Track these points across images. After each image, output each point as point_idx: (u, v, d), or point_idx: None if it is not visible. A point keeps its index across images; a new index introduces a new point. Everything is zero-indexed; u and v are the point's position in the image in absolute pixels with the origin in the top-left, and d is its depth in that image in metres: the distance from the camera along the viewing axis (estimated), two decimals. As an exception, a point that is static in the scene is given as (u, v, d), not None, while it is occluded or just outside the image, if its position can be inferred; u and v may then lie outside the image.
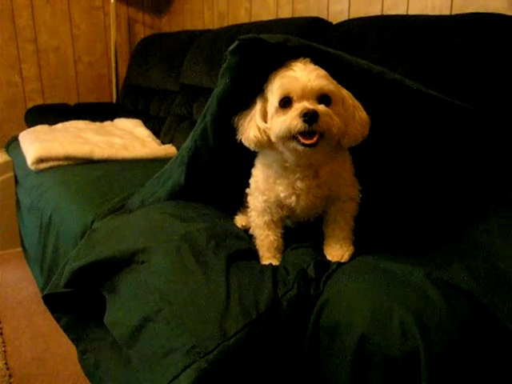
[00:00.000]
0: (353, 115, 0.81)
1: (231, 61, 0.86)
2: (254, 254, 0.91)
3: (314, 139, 0.76)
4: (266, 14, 2.25)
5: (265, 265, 0.86)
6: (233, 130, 0.89)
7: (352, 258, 0.86)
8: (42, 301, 1.84)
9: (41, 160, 1.84)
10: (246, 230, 1.00)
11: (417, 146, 1.06)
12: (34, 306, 1.87)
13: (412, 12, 1.63)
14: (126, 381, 0.89)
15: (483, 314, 0.69)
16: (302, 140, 0.76)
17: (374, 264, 0.79)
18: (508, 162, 1.05)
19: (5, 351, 1.58)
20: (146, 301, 0.74)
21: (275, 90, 0.80)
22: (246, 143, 0.86)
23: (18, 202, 2.22)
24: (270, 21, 2.03)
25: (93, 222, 1.34)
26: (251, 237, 0.96)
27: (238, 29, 2.05)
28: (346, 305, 0.72)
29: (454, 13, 1.47)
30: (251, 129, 0.83)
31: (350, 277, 0.78)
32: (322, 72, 0.79)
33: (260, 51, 0.82)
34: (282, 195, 0.88)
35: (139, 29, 3.14)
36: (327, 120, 0.75)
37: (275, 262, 0.89)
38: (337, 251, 0.88)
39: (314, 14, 1.96)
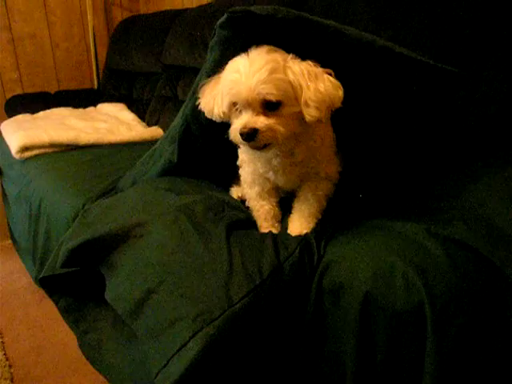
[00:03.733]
0: (310, 94, 0.76)
1: (221, 34, 0.85)
2: (252, 224, 0.91)
3: (261, 147, 0.77)
4: (246, -11, 2.21)
5: (265, 233, 0.85)
6: None
7: (351, 219, 0.85)
8: (36, 291, 1.86)
9: (25, 148, 1.80)
10: (242, 200, 0.99)
11: (407, 110, 1.05)
12: (29, 296, 1.86)
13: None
14: (130, 358, 0.89)
15: (482, 264, 0.70)
16: (250, 147, 0.78)
17: (373, 224, 0.80)
18: (497, 122, 1.06)
19: (3, 342, 1.56)
20: (148, 273, 0.73)
21: (224, 94, 0.78)
22: (208, 115, 0.85)
23: (3, 193, 2.18)
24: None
25: (84, 206, 1.32)
26: (248, 208, 0.96)
27: (219, 5, 2.01)
28: (348, 265, 0.72)
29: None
30: (215, 105, 0.82)
31: (349, 238, 0.78)
32: (266, 73, 0.74)
33: (250, 24, 0.80)
34: (260, 171, 0.89)
35: (117, 12, 3.07)
36: (267, 134, 0.75)
37: (274, 231, 0.88)
38: (297, 227, 0.87)
39: (295, -14, 1.93)
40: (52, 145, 1.83)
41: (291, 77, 0.76)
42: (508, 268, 0.69)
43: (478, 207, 0.81)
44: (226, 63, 0.83)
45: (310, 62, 0.78)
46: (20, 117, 2.22)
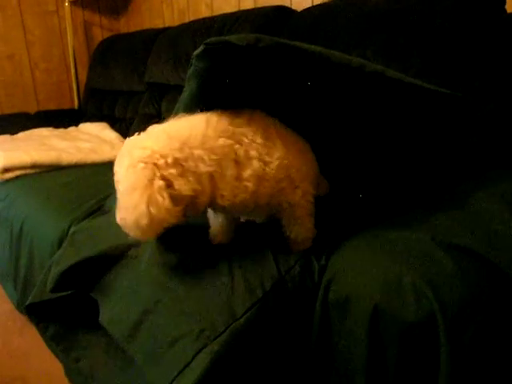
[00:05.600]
0: None
1: (197, 66, 0.80)
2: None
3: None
4: (227, 6, 2.22)
5: (263, 246, 0.83)
6: None
7: (354, 231, 0.84)
8: (18, 318, 1.78)
9: (5, 170, 1.75)
10: None
11: (408, 129, 1.05)
12: (9, 323, 1.78)
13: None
14: (125, 385, 0.84)
15: (488, 269, 0.69)
16: None
17: (377, 234, 0.78)
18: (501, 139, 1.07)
19: (-17, 373, 1.49)
20: (144, 294, 0.70)
21: None
22: None
23: (-18, 217, 2.11)
24: (234, 13, 2.00)
25: (69, 227, 1.28)
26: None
27: (202, 23, 2.01)
28: (354, 277, 0.70)
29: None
30: None
31: (354, 248, 0.76)
32: None
33: (228, 54, 0.76)
34: None
35: (97, 32, 3.05)
36: None
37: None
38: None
39: (276, 2, 1.95)
40: (34, 166, 1.79)
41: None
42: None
43: (480, 215, 0.81)
44: (203, 95, 0.79)
45: None
46: (-1, 138, 2.17)
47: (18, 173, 1.77)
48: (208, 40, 0.75)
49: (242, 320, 0.64)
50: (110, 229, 0.88)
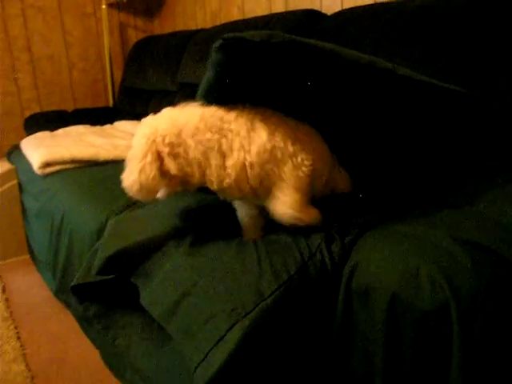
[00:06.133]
0: None
1: (215, 58, 0.86)
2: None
3: None
4: (259, 9, 2.28)
5: (287, 234, 0.89)
6: None
7: (373, 225, 0.89)
8: (55, 304, 1.89)
9: (47, 164, 1.85)
10: None
11: (422, 126, 1.09)
12: (48, 310, 1.89)
13: (405, -2, 1.67)
14: (159, 363, 0.92)
15: (501, 264, 0.73)
16: None
17: (395, 229, 0.83)
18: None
19: (24, 354, 1.59)
20: (181, 278, 0.77)
21: None
22: None
23: (23, 209, 2.23)
24: (265, 16, 2.06)
25: (107, 220, 1.36)
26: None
27: (234, 26, 2.08)
28: (375, 268, 0.75)
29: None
30: None
31: (374, 242, 0.81)
32: None
33: (243, 49, 0.82)
34: None
35: (131, 33, 3.16)
36: None
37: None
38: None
39: (307, 6, 2.00)
40: (73, 161, 1.89)
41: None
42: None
43: (495, 214, 0.84)
44: (219, 85, 0.87)
45: None
46: (39, 134, 2.29)
47: (58, 167, 1.87)
48: (225, 35, 0.82)
49: (268, 300, 0.71)
50: (149, 221, 0.95)
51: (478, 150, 1.09)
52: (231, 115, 0.84)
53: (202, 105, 0.88)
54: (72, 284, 0.97)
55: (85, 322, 1.68)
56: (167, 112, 0.88)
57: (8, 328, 1.73)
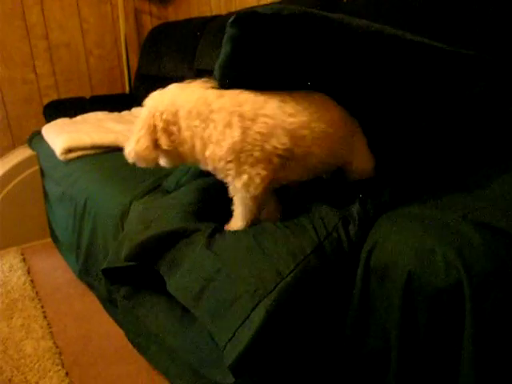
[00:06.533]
0: None
1: (230, 32, 0.90)
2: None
3: None
4: (274, -5, 2.29)
5: (302, 215, 0.93)
6: None
7: (389, 207, 0.93)
8: (78, 286, 1.96)
9: (69, 150, 1.91)
10: None
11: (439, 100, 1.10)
12: (71, 291, 1.96)
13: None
14: (186, 340, 0.97)
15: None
16: None
17: (411, 211, 0.87)
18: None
19: (51, 332, 1.67)
20: (205, 265, 0.83)
21: None
22: None
23: (45, 194, 2.30)
24: (280, 2, 2.07)
25: (131, 203, 1.41)
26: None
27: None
28: (392, 247, 0.79)
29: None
30: None
31: (391, 223, 0.85)
32: None
33: (257, 23, 0.86)
34: None
35: (146, 19, 3.19)
36: None
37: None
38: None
39: (323, -8, 2.00)
40: (93, 147, 1.94)
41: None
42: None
43: (509, 196, 0.88)
44: (237, 58, 0.91)
45: None
46: (59, 121, 2.34)
47: (79, 153, 1.93)
48: (240, 10, 0.88)
49: (288, 279, 0.76)
50: (172, 210, 1.00)
51: (491, 131, 1.11)
52: (217, 104, 0.88)
53: (207, 83, 0.95)
54: (102, 268, 1.03)
55: (108, 303, 1.75)
56: (172, 88, 0.95)
57: (35, 307, 1.81)
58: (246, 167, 0.86)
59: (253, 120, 0.85)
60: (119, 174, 1.66)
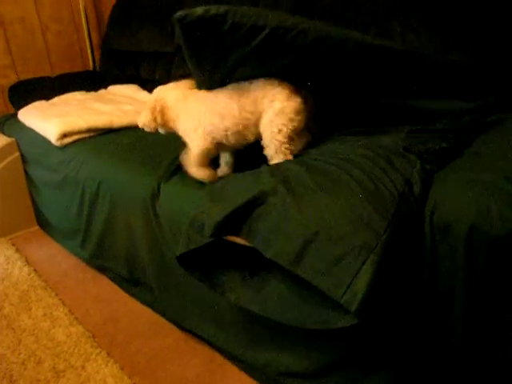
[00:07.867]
0: None
1: (179, 32, 1.15)
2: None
3: None
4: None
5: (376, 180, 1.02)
6: None
7: (443, 174, 1.06)
8: (87, 270, 1.96)
9: (64, 135, 1.86)
10: None
11: None
12: (81, 276, 1.95)
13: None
14: (262, 308, 1.06)
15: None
16: None
17: (464, 175, 1.01)
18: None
19: (76, 317, 1.67)
20: (299, 229, 0.91)
21: None
22: None
23: (30, 180, 2.23)
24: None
25: (159, 185, 1.43)
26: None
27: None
28: (452, 206, 0.93)
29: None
30: None
31: (446, 186, 0.99)
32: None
33: (193, 25, 1.10)
34: None
35: (104, -10, 3.05)
36: None
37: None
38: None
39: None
40: (89, 130, 1.91)
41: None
42: None
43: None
44: (194, 55, 1.23)
45: None
46: (37, 103, 2.24)
47: (75, 137, 1.89)
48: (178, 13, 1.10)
49: (384, 236, 0.87)
50: (241, 184, 1.07)
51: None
52: (190, 100, 1.31)
53: (190, 84, 1.36)
54: (177, 254, 1.08)
55: (125, 283, 1.78)
56: (170, 85, 1.37)
57: (50, 296, 1.79)
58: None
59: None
60: (131, 154, 1.66)
